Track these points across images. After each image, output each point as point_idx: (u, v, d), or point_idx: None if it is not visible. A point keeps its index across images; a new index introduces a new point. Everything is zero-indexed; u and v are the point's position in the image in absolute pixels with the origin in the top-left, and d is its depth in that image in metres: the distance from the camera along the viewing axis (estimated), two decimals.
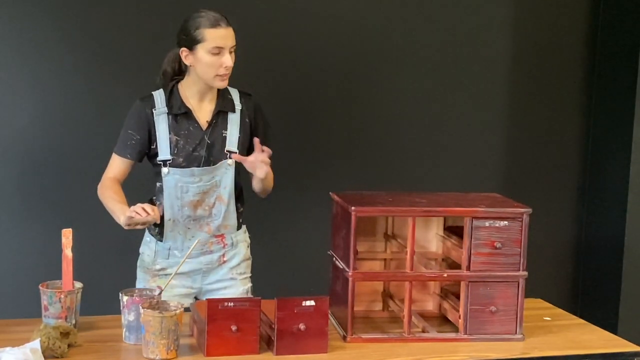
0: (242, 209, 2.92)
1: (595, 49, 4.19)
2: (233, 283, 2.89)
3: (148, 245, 2.88)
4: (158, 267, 2.85)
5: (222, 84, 2.74)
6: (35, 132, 3.52)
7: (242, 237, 2.93)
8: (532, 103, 4.15)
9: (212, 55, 2.68)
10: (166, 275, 2.82)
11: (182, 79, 2.80)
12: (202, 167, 2.76)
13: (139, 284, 2.88)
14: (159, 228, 2.83)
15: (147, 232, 2.89)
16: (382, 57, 3.90)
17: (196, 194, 2.77)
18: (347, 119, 3.89)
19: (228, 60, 2.69)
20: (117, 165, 2.80)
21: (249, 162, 2.71)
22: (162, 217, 2.77)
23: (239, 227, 2.91)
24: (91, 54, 3.54)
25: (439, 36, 3.97)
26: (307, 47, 3.80)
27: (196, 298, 2.88)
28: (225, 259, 2.88)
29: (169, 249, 2.83)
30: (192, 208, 2.78)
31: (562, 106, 4.21)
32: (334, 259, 2.61)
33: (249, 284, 2.95)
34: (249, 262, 2.97)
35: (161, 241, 2.83)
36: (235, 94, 2.85)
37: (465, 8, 4.00)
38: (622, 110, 4.02)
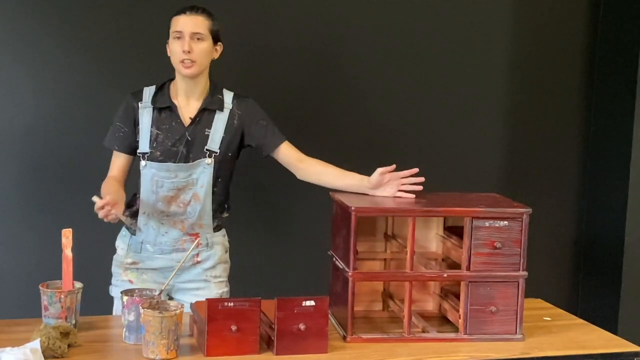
0: (226, 215, 2.91)
1: (595, 49, 4.18)
2: (206, 285, 2.86)
3: (122, 239, 2.89)
4: (130, 260, 2.84)
5: (186, 71, 2.73)
6: (35, 133, 3.51)
7: (220, 240, 2.89)
8: (532, 103, 4.15)
9: (174, 40, 2.74)
10: (137, 269, 2.84)
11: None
12: (179, 162, 2.76)
13: (114, 279, 2.88)
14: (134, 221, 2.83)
15: (123, 226, 2.89)
16: (382, 57, 3.90)
17: (171, 189, 2.76)
18: (346, 119, 3.88)
19: (185, 44, 2.70)
20: (114, 161, 2.83)
21: (386, 177, 2.66)
22: (137, 211, 2.80)
23: (217, 230, 2.88)
24: (90, 56, 3.53)
25: (438, 36, 3.97)
26: (307, 47, 3.80)
27: (169, 295, 2.85)
28: (199, 259, 2.85)
29: (142, 242, 2.83)
30: (166, 203, 2.77)
31: (562, 106, 4.20)
32: (334, 259, 2.61)
33: (225, 288, 2.91)
34: (226, 266, 2.94)
35: (134, 235, 2.84)
36: (228, 95, 2.84)
37: (465, 8, 3.99)
38: (622, 110, 4.01)
